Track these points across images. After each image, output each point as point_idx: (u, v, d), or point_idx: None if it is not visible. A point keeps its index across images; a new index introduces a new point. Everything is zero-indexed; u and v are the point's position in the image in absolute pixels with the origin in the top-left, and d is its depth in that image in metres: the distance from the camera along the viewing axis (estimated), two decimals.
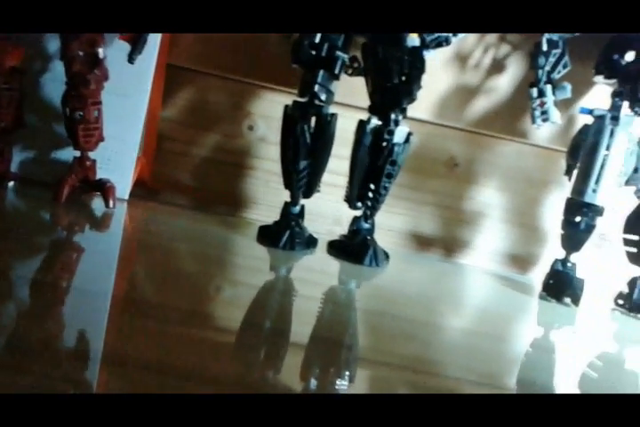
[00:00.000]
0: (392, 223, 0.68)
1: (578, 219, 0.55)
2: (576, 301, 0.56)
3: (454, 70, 0.65)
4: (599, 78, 0.58)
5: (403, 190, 0.67)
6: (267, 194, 0.66)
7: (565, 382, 0.41)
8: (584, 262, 0.66)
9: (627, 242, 0.59)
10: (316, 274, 0.54)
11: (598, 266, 0.68)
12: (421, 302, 0.51)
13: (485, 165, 0.67)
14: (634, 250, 0.58)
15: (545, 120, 0.56)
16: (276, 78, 0.64)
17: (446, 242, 0.69)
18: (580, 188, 0.53)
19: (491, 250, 0.69)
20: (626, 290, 0.59)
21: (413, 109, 0.64)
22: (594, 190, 0.53)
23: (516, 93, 0.65)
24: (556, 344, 0.51)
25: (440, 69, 0.64)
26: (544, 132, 0.66)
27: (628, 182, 0.57)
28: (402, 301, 0.51)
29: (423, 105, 0.65)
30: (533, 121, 0.56)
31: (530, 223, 0.69)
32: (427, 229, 0.68)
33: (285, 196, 0.57)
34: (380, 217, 0.67)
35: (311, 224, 0.63)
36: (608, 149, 0.53)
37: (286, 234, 0.53)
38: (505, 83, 0.65)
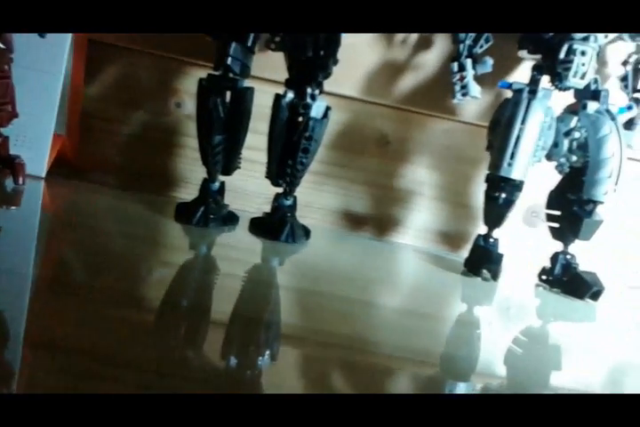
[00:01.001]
0: (323, 202, 0.67)
1: (496, 194, 0.55)
2: (495, 275, 0.56)
3: (381, 46, 0.64)
4: (523, 53, 0.58)
5: (333, 169, 0.67)
6: (195, 173, 0.65)
7: (493, 358, 0.42)
8: (518, 240, 0.67)
9: (549, 217, 0.59)
10: (237, 252, 0.54)
11: (532, 243, 0.68)
12: (351, 281, 0.51)
13: (416, 142, 0.67)
14: (556, 225, 0.58)
15: (464, 95, 0.55)
16: (203, 54, 0.63)
17: (378, 220, 0.69)
18: (495, 162, 0.53)
19: (422, 228, 0.69)
20: (549, 265, 0.59)
21: (340, 86, 0.64)
22: (509, 164, 0.52)
23: (444, 70, 0.64)
24: (480, 320, 0.51)
25: (366, 45, 0.64)
26: (474, 109, 0.65)
27: (550, 158, 0.57)
28: (331, 279, 0.50)
29: (350, 82, 0.64)
30: (453, 95, 0.56)
31: (461, 201, 0.69)
32: (358, 207, 0.68)
33: None
34: (311, 196, 0.67)
35: (243, 202, 0.62)
36: (524, 122, 0.52)
37: (200, 210, 0.52)
38: (432, 59, 0.64)
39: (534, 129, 0.52)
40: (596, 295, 0.56)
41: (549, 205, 0.58)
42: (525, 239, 0.69)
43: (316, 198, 0.67)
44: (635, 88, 0.59)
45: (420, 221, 0.69)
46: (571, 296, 0.57)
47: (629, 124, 0.59)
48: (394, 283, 0.55)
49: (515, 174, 0.53)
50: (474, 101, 0.62)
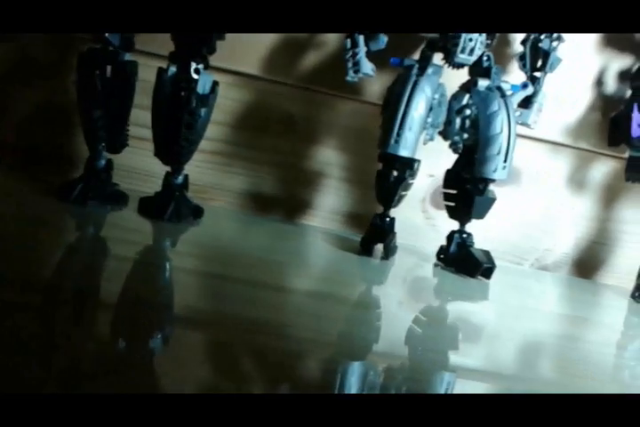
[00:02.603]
0: (230, 183, 0.66)
1: (387, 171, 0.54)
2: (387, 254, 0.56)
3: None
4: None
5: (239, 149, 0.66)
6: None
7: (396, 339, 0.41)
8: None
9: (446, 197, 0.59)
10: (125, 232, 0.52)
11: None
12: (254, 263, 0.50)
13: (323, 123, 0.66)
14: (452, 204, 0.58)
15: (356, 72, 0.55)
16: None
17: (287, 203, 0.68)
18: (382, 139, 0.53)
19: (332, 210, 0.68)
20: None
21: (242, 64, 0.63)
22: (396, 141, 0.52)
23: None
24: (381, 301, 0.50)
25: None
26: (380, 89, 0.65)
27: (445, 136, 0.57)
28: (232, 261, 0.49)
29: (252, 60, 0.63)
30: (346, 73, 0.55)
31: (370, 182, 0.67)
32: (266, 189, 0.67)
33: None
34: (218, 177, 0.66)
35: (136, 182, 0.61)
36: (410, 99, 0.52)
37: (78, 188, 0.51)
38: (335, 36, 0.63)
39: (421, 106, 0.52)
40: (487, 273, 0.56)
41: (446, 185, 0.58)
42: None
43: (222, 180, 0.66)
44: (533, 67, 0.59)
45: (329, 203, 0.68)
46: (464, 275, 0.57)
47: (527, 103, 0.59)
48: (299, 265, 0.54)
49: (402, 151, 0.52)
50: (379, 82, 0.62)
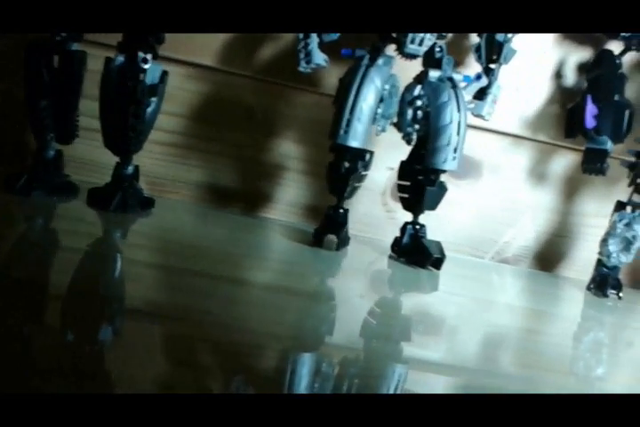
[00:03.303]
0: (187, 176, 0.66)
1: (337, 162, 0.54)
2: (339, 245, 0.56)
3: None
4: None
5: (197, 142, 0.66)
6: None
7: (351, 331, 0.41)
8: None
9: (400, 188, 0.58)
10: (73, 223, 0.52)
11: None
12: (213, 256, 0.50)
13: (283, 115, 0.66)
14: (406, 196, 0.58)
15: (308, 62, 0.55)
16: None
17: (246, 196, 0.67)
18: (332, 129, 0.52)
19: (291, 203, 0.68)
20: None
21: (199, 56, 0.63)
22: (345, 132, 0.52)
23: None
24: (335, 293, 0.50)
25: None
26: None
27: (399, 128, 0.57)
28: (185, 253, 0.49)
29: (208, 51, 0.63)
30: (298, 63, 0.55)
31: None
32: (224, 182, 0.67)
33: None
34: (174, 169, 0.66)
35: (87, 173, 0.61)
36: (359, 89, 0.52)
37: (22, 179, 0.50)
38: None
39: (370, 96, 0.52)
40: (437, 264, 0.56)
41: (400, 176, 0.58)
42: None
43: (180, 173, 0.66)
44: (488, 58, 0.59)
45: (288, 196, 0.68)
46: (414, 266, 0.57)
47: (481, 95, 0.59)
48: (254, 258, 0.54)
49: (352, 142, 0.52)
50: (338, 74, 0.62)
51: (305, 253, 0.58)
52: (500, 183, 0.70)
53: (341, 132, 0.52)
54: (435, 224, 0.68)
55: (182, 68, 0.63)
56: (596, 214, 0.70)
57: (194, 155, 0.66)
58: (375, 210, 0.68)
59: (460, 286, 0.61)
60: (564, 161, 0.69)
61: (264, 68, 0.64)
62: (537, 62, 0.66)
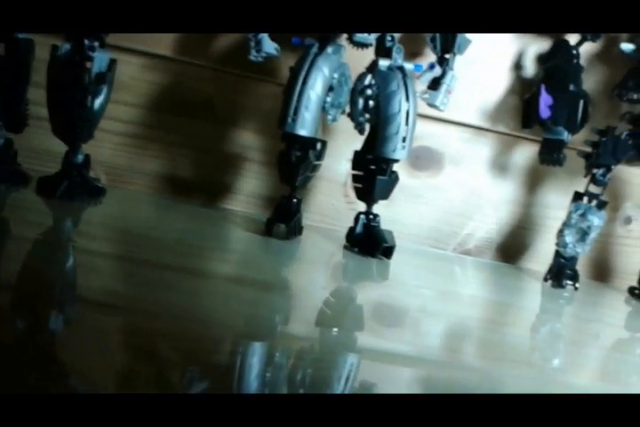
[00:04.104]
0: (146, 167, 0.66)
1: (287, 151, 0.54)
2: (289, 234, 0.56)
3: None
4: None
5: (156, 132, 0.65)
6: None
7: (307, 320, 0.42)
8: None
9: (354, 178, 0.58)
10: (23, 212, 0.52)
11: None
12: (167, 247, 0.50)
13: (242, 106, 0.66)
14: (359, 185, 0.58)
15: (258, 51, 0.54)
16: None
17: (206, 186, 0.67)
18: (280, 118, 0.52)
19: (252, 194, 0.68)
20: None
21: (155, 46, 0.62)
22: (293, 120, 0.52)
23: None
24: (289, 282, 0.51)
25: None
26: None
27: (352, 118, 0.57)
28: (146, 245, 0.49)
29: (166, 41, 0.63)
30: (248, 52, 0.55)
31: None
32: (184, 173, 0.67)
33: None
34: (133, 160, 0.66)
35: (39, 162, 0.61)
36: (306, 77, 0.51)
37: None
38: None
39: (318, 85, 0.52)
40: (387, 252, 0.56)
41: (354, 166, 0.58)
42: None
43: (139, 163, 0.65)
44: (443, 48, 0.59)
45: (249, 187, 0.68)
46: (366, 255, 0.56)
47: (435, 85, 0.58)
48: (210, 248, 0.54)
49: (300, 131, 0.52)
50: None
51: (260, 244, 0.57)
52: (461, 175, 0.69)
53: (289, 120, 0.52)
54: (397, 216, 0.68)
55: (139, 58, 0.63)
56: (558, 206, 0.69)
57: (152, 145, 0.66)
58: (336, 201, 0.68)
59: (421, 277, 0.61)
60: (526, 153, 0.69)
61: (222, 58, 0.64)
62: (497, 53, 0.66)
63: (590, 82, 0.65)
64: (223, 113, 0.66)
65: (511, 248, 0.71)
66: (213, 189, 0.67)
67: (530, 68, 0.66)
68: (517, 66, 0.66)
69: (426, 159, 0.69)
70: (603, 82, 0.66)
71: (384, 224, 0.66)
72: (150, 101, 0.64)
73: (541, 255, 0.71)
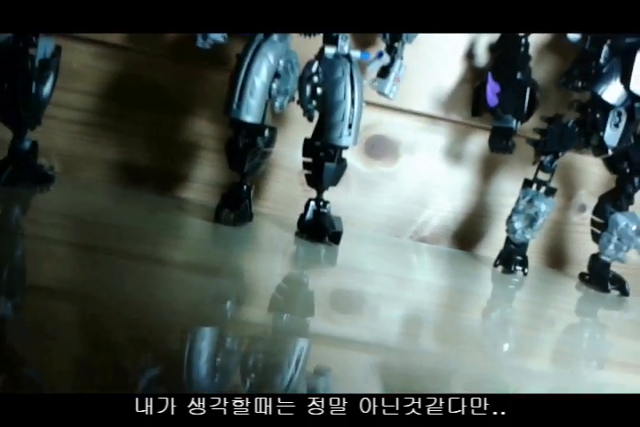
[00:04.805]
0: (100, 155, 0.66)
1: (234, 138, 0.54)
2: (236, 220, 0.56)
3: None
4: None
5: (110, 120, 0.65)
6: None
7: (258, 306, 0.42)
8: None
9: (305, 165, 0.59)
10: None
11: None
12: (120, 234, 0.50)
13: (197, 94, 0.66)
14: (309, 172, 0.58)
15: (205, 38, 0.54)
16: None
17: (161, 175, 0.67)
18: (226, 103, 0.53)
19: (207, 182, 0.68)
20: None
21: (106, 34, 0.62)
22: (238, 106, 0.52)
23: None
24: (240, 268, 0.51)
25: None
26: None
27: (302, 105, 0.57)
28: (97, 232, 0.49)
29: None
30: (195, 39, 0.55)
31: None
32: (139, 161, 0.66)
33: None
34: (87, 148, 0.65)
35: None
36: (251, 64, 0.52)
37: None
38: None
39: (263, 71, 0.52)
40: (335, 238, 0.56)
41: (304, 153, 0.58)
42: None
43: (93, 152, 0.65)
44: (393, 37, 0.59)
45: (204, 175, 0.68)
46: (314, 241, 0.57)
47: (384, 73, 0.59)
48: (162, 236, 0.54)
49: (246, 117, 0.52)
50: None
51: (211, 231, 0.58)
52: (416, 164, 0.70)
53: (234, 106, 0.52)
54: (353, 204, 0.69)
55: (91, 46, 0.63)
56: (511, 194, 0.70)
57: (106, 134, 0.65)
58: (292, 189, 0.69)
59: (376, 264, 0.61)
60: (480, 141, 0.69)
61: (174, 47, 0.64)
62: (449, 43, 0.66)
63: (541, 71, 0.66)
64: (176, 101, 0.66)
65: (466, 235, 0.72)
66: (168, 177, 0.67)
67: (482, 57, 0.67)
68: (469, 55, 0.67)
69: (381, 148, 0.69)
70: (554, 71, 0.67)
71: (341, 212, 0.66)
72: (104, 90, 0.64)
73: (496, 242, 0.71)
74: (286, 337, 0.38)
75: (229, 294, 0.43)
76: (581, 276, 0.66)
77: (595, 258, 0.63)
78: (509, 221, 0.61)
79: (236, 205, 0.56)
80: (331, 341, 0.39)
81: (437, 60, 0.67)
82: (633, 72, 0.54)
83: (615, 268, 0.65)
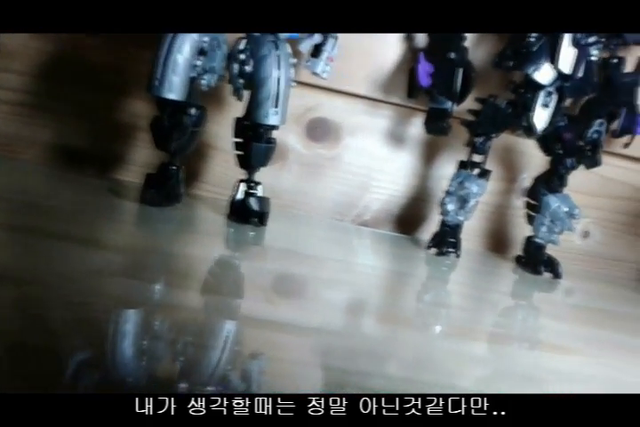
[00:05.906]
0: (36, 136, 0.65)
1: (159, 115, 0.54)
2: (162, 201, 0.56)
3: None
4: None
5: (45, 101, 0.65)
6: None
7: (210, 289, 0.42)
8: None
9: (236, 146, 0.58)
10: None
11: None
12: (54, 216, 0.49)
13: (132, 74, 0.64)
14: (241, 153, 0.58)
15: None
16: None
17: (98, 157, 0.66)
18: (147, 81, 0.52)
19: (145, 164, 0.67)
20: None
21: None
22: (160, 83, 0.51)
23: None
24: (167, 249, 0.51)
25: None
26: None
27: (232, 83, 0.57)
28: (35, 214, 0.49)
29: None
30: None
31: None
32: (75, 143, 0.66)
33: None
34: (22, 129, 0.65)
35: None
36: (174, 40, 0.51)
37: None
38: None
39: (185, 48, 0.51)
40: (261, 219, 0.56)
41: (236, 134, 0.57)
42: None
43: (28, 133, 0.64)
44: None
45: (141, 157, 0.67)
46: (241, 222, 0.57)
47: (317, 52, 0.58)
48: (94, 217, 0.53)
49: (168, 94, 0.52)
50: None
51: (140, 213, 0.57)
52: (358, 147, 0.70)
53: (155, 83, 0.51)
54: (296, 188, 0.68)
55: None
56: None
57: (42, 114, 0.65)
58: (229, 170, 0.68)
59: (317, 247, 0.61)
60: (421, 124, 0.69)
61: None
62: None
63: (481, 52, 0.66)
64: (113, 81, 0.65)
65: (407, 219, 0.72)
66: (105, 159, 0.67)
67: (421, 38, 0.66)
68: (409, 36, 0.66)
69: (323, 131, 0.69)
70: (494, 52, 0.67)
71: (283, 195, 0.66)
72: (39, 70, 0.63)
73: (435, 226, 0.71)
74: (217, 319, 0.38)
75: (157, 276, 0.43)
76: (518, 258, 0.66)
77: (529, 240, 0.63)
78: (442, 202, 0.61)
79: (162, 186, 0.55)
80: (267, 324, 0.38)
81: (377, 41, 0.66)
82: (560, 51, 0.54)
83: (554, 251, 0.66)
